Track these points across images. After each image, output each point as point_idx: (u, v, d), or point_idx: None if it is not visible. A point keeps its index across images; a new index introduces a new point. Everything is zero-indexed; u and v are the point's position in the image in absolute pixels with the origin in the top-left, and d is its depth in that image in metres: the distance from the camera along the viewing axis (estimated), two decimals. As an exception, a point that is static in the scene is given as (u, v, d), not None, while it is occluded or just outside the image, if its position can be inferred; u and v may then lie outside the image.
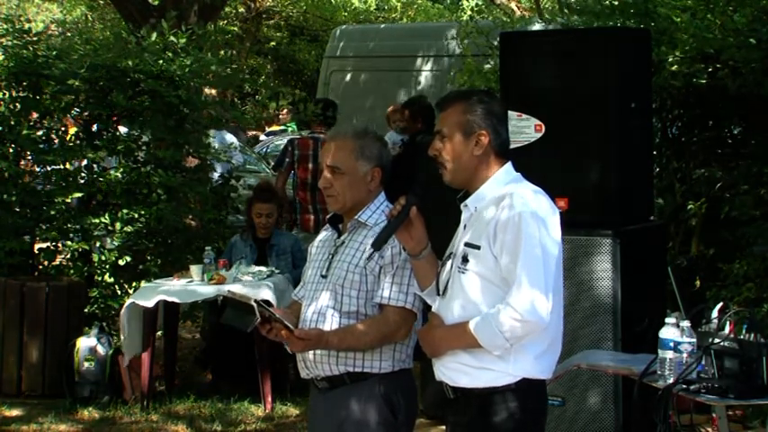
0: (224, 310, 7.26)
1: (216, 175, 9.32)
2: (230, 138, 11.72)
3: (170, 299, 7.12)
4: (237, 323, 3.80)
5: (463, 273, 3.50)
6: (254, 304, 3.70)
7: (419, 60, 11.28)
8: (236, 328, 3.86)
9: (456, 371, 3.53)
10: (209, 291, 7.13)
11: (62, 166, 8.37)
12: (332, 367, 3.80)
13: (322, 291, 3.84)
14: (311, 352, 3.80)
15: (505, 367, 3.45)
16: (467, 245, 3.51)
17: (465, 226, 3.59)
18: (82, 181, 8.40)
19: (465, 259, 3.50)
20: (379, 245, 3.60)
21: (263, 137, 14.70)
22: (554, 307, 3.43)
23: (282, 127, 14.73)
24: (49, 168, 8.42)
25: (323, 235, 4.03)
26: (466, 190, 3.61)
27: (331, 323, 3.78)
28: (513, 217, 3.40)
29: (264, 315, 3.69)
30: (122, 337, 7.24)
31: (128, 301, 7.26)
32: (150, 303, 7.08)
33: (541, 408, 3.59)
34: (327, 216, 4.05)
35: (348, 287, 3.78)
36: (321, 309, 3.81)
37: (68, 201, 8.40)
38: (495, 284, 3.44)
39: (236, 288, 6.64)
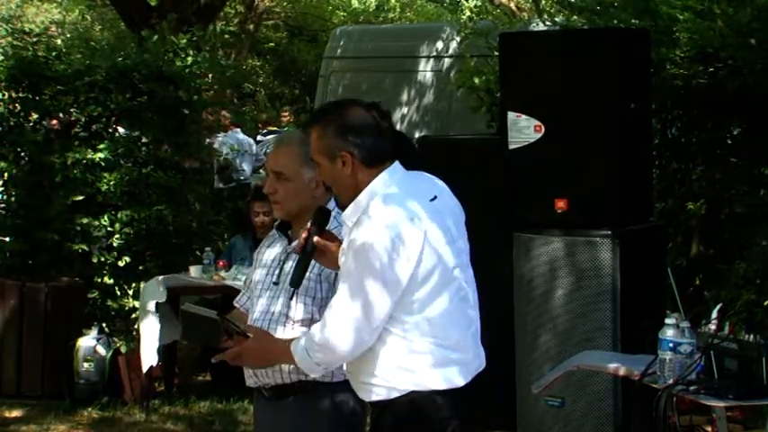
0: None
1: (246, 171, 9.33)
2: (243, 137, 11.79)
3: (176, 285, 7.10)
4: (202, 340, 3.64)
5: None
6: (218, 318, 3.54)
7: (419, 61, 11.25)
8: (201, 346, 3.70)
9: (357, 387, 3.42)
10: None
11: (62, 167, 8.37)
12: (283, 375, 3.66)
13: (273, 298, 3.72)
14: None
15: (388, 381, 3.29)
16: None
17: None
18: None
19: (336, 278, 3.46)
20: (296, 283, 3.52)
21: (260, 137, 14.68)
22: (441, 312, 3.26)
23: (282, 130, 14.68)
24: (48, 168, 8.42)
25: (270, 241, 3.92)
26: None
27: (284, 331, 3.66)
28: (352, 240, 3.25)
29: (229, 330, 3.51)
30: (142, 347, 7.13)
31: (147, 306, 7.13)
32: (162, 298, 7.03)
33: (437, 420, 3.32)
34: (275, 222, 3.94)
35: (303, 294, 3.66)
36: (273, 316, 3.69)
37: (68, 201, 8.40)
38: None
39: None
